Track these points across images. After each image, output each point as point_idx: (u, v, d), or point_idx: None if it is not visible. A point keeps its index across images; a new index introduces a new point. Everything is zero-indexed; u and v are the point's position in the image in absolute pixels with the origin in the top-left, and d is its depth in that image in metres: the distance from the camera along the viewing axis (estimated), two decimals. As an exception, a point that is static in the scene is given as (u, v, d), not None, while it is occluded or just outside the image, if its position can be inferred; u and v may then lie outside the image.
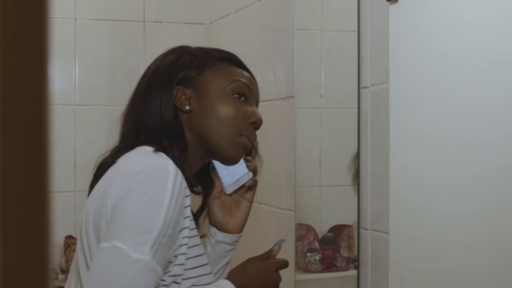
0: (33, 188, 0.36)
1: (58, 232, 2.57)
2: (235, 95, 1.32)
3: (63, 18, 2.61)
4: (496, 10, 1.26)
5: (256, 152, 1.42)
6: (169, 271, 1.19)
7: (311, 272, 1.89)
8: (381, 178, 1.61)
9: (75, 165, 2.61)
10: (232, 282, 1.26)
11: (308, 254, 1.89)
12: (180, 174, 1.20)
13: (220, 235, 1.41)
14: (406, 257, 1.48)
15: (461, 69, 1.33)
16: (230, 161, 1.35)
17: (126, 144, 1.32)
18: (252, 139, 1.33)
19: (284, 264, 1.34)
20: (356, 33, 1.71)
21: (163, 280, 1.19)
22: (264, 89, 1.69)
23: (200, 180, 1.42)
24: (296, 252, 1.92)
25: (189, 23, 2.76)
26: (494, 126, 1.25)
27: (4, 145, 0.34)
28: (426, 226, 1.42)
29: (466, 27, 1.33)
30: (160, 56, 1.38)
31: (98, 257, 1.15)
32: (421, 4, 1.45)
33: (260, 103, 1.39)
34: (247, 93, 1.34)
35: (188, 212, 1.21)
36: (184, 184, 1.20)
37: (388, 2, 1.54)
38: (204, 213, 1.44)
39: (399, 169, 1.51)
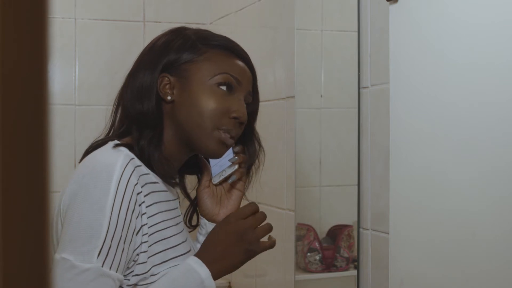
0: (33, 188, 0.36)
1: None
2: (219, 87, 1.25)
3: (63, 18, 2.61)
4: (496, 10, 1.26)
5: (260, 146, 1.38)
6: (132, 271, 1.16)
7: (311, 272, 1.89)
8: (381, 178, 1.61)
9: (75, 165, 2.61)
10: (200, 258, 1.22)
11: (308, 254, 1.89)
12: (130, 170, 1.15)
13: (210, 226, 1.33)
14: (406, 257, 1.48)
15: (461, 69, 1.33)
16: (210, 155, 1.29)
17: (104, 137, 1.30)
18: (233, 135, 1.26)
19: (253, 209, 1.26)
20: (356, 33, 1.71)
21: (128, 280, 1.16)
22: (264, 89, 1.69)
23: (196, 168, 1.38)
24: (296, 252, 1.92)
25: (189, 23, 2.75)
26: (494, 126, 1.25)
27: (4, 145, 0.34)
28: (426, 226, 1.42)
29: (466, 27, 1.33)
30: (157, 36, 1.33)
31: (53, 269, 1.11)
32: (421, 4, 1.44)
33: (260, 103, 1.37)
34: (234, 86, 1.27)
35: (144, 209, 1.17)
36: (135, 180, 1.15)
37: (388, 2, 1.54)
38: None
39: (399, 169, 1.51)
